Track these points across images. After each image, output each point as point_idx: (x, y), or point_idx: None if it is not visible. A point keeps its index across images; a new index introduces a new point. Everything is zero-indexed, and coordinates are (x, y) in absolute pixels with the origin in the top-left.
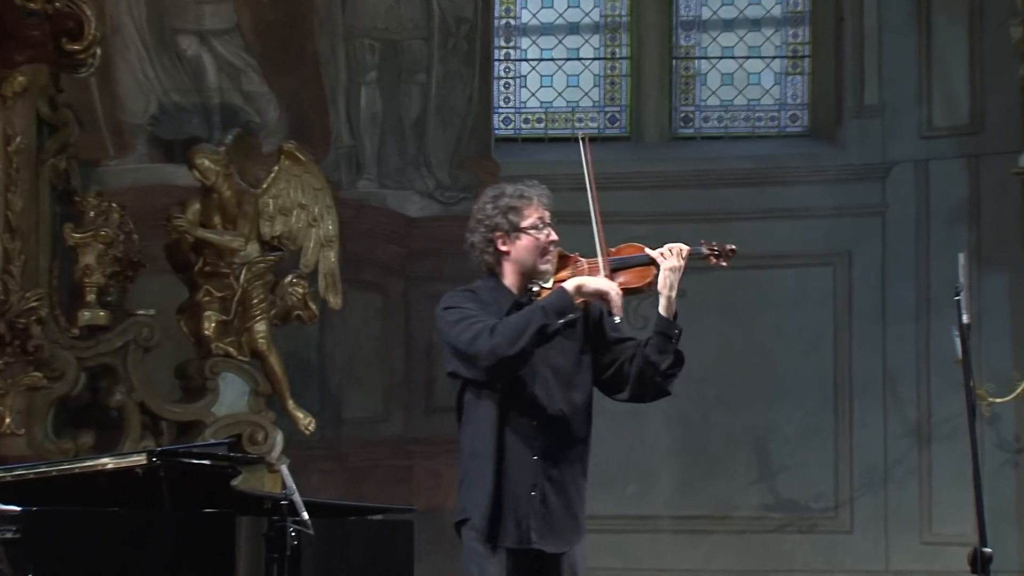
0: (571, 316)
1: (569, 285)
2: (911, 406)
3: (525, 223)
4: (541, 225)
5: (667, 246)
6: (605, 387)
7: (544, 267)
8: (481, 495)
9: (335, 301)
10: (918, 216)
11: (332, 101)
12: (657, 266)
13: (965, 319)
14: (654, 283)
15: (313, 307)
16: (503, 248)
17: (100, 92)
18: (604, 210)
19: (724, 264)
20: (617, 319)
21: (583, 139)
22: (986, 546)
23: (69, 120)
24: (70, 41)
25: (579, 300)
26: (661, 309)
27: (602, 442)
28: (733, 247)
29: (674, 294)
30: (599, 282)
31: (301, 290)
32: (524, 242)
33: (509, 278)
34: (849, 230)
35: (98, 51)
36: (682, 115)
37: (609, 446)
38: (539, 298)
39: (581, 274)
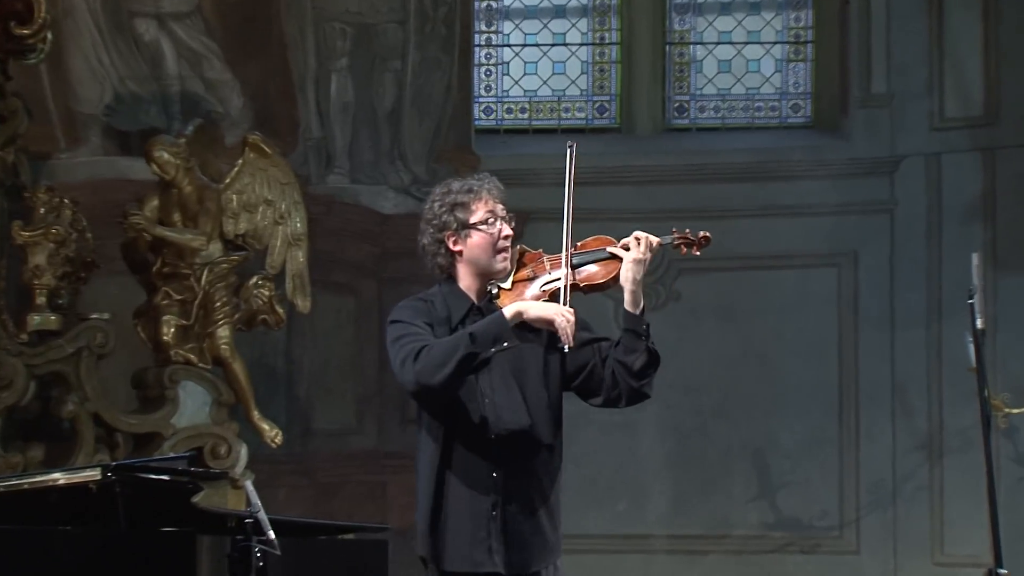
0: (505, 346)
1: (508, 311)
2: (922, 417)
3: (474, 218)
4: (492, 219)
5: (632, 235)
6: (578, 391)
7: (500, 265)
8: (420, 518)
9: (303, 304)
10: (929, 214)
11: (300, 89)
12: (622, 259)
13: (979, 324)
14: (619, 277)
15: (280, 311)
16: (455, 248)
17: (51, 80)
18: (591, 207)
19: (697, 253)
20: (566, 347)
21: (571, 146)
22: (1002, 567)
23: (18, 110)
24: (18, 25)
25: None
26: (626, 304)
27: (591, 456)
28: (706, 234)
29: (638, 288)
30: (544, 308)
31: (267, 292)
32: (475, 239)
33: (465, 281)
34: (855, 229)
35: (48, 35)
36: (676, 105)
37: (598, 460)
38: (499, 302)
39: (543, 272)
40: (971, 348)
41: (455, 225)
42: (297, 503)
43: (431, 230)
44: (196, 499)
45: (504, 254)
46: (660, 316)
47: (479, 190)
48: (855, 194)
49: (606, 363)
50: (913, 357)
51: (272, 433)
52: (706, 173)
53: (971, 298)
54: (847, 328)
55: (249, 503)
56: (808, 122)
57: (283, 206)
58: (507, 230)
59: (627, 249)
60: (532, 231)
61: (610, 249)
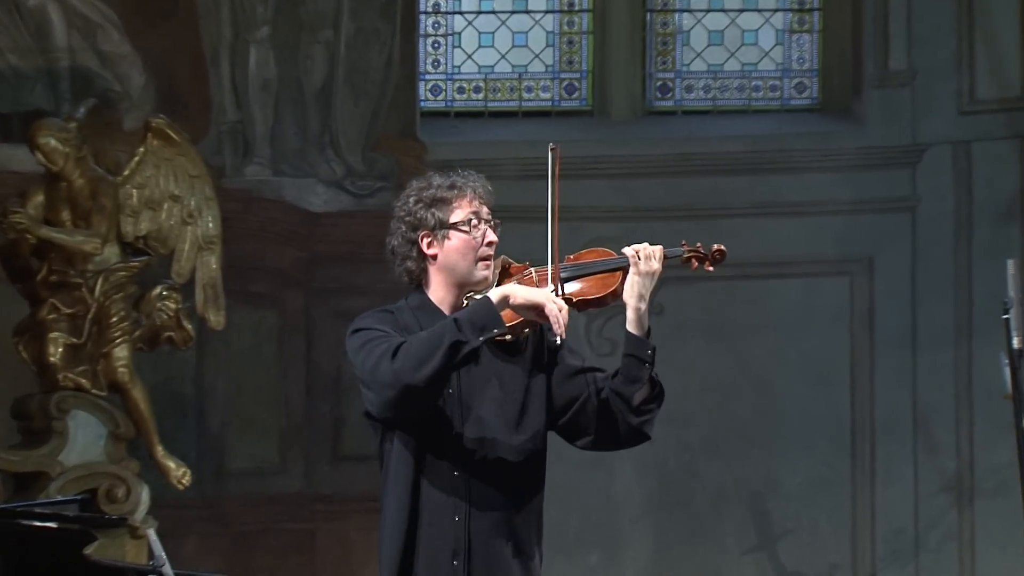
0: (495, 332)
1: (494, 294)
2: (949, 454)
3: (455, 217)
4: (476, 221)
5: (636, 246)
6: (564, 431)
7: (480, 274)
8: (385, 567)
9: (216, 319)
10: (957, 212)
11: (213, 64)
12: (624, 271)
13: (1016, 343)
14: (619, 292)
15: (188, 327)
16: (429, 251)
17: None
18: (561, 204)
19: (711, 269)
20: (558, 338)
21: (554, 150)
22: None
23: None
24: None
25: (510, 315)
26: (629, 325)
27: (558, 498)
28: (722, 247)
29: (644, 305)
30: (533, 291)
31: (173, 305)
32: (454, 243)
33: (438, 291)
34: (870, 230)
35: None
36: (658, 84)
37: (567, 504)
38: None
39: (529, 286)
40: (1007, 371)
41: (432, 223)
42: (209, 555)
43: (403, 228)
44: (88, 550)
45: (486, 262)
46: None
47: (463, 187)
48: (870, 189)
49: (599, 396)
50: (939, 382)
51: (179, 472)
52: (694, 165)
53: (1007, 312)
54: (861, 348)
55: (152, 555)
56: (814, 104)
57: (192, 203)
58: (492, 236)
59: (632, 260)
60: None
61: (608, 260)
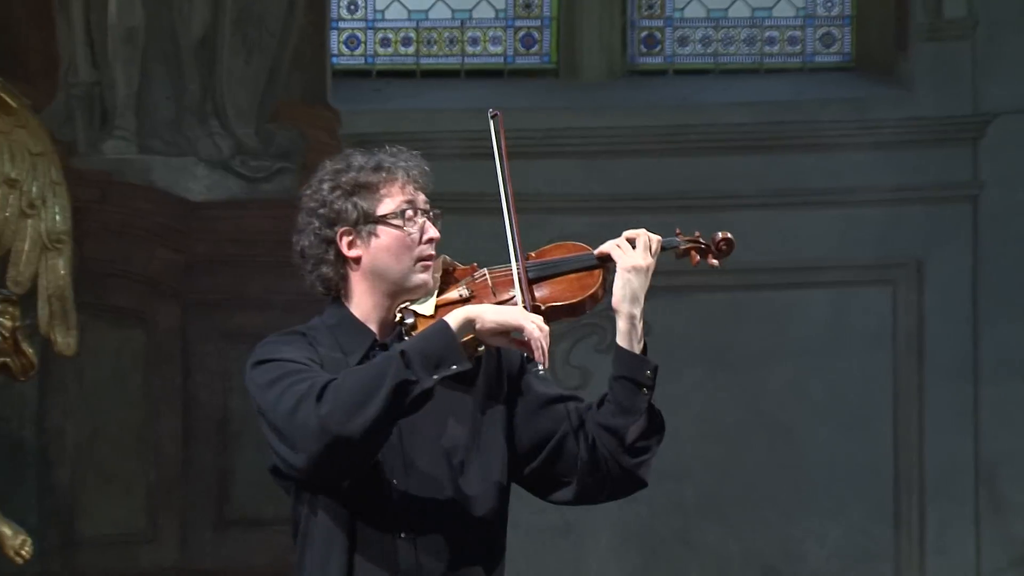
0: (453, 369)
1: (455, 317)
2: (1020, 517)
3: (384, 208)
4: (412, 212)
5: (626, 234)
6: (533, 481)
7: (419, 279)
8: None
9: (65, 342)
10: None
11: (61, 9)
12: (607, 269)
13: None
14: (599, 296)
15: (29, 352)
16: (350, 252)
17: None
18: (516, 191)
19: (715, 263)
20: (541, 368)
21: (494, 117)
22: None
23: None
24: None
25: (471, 343)
26: (621, 339)
27: (518, 573)
28: (728, 236)
29: (640, 312)
30: (505, 312)
31: (8, 323)
32: (384, 240)
33: (363, 303)
34: (919, 226)
35: None
36: (643, 34)
37: None
38: (414, 334)
39: (483, 292)
40: None
41: (354, 217)
42: None
43: (316, 224)
44: None
45: (426, 263)
46: None
47: (393, 169)
48: (919, 173)
49: (580, 433)
50: (1008, 425)
51: (16, 542)
52: (689, 140)
53: None
54: (907, 380)
55: None
56: (847, 62)
57: (33, 189)
58: (432, 231)
59: (621, 251)
60: None
61: (584, 256)
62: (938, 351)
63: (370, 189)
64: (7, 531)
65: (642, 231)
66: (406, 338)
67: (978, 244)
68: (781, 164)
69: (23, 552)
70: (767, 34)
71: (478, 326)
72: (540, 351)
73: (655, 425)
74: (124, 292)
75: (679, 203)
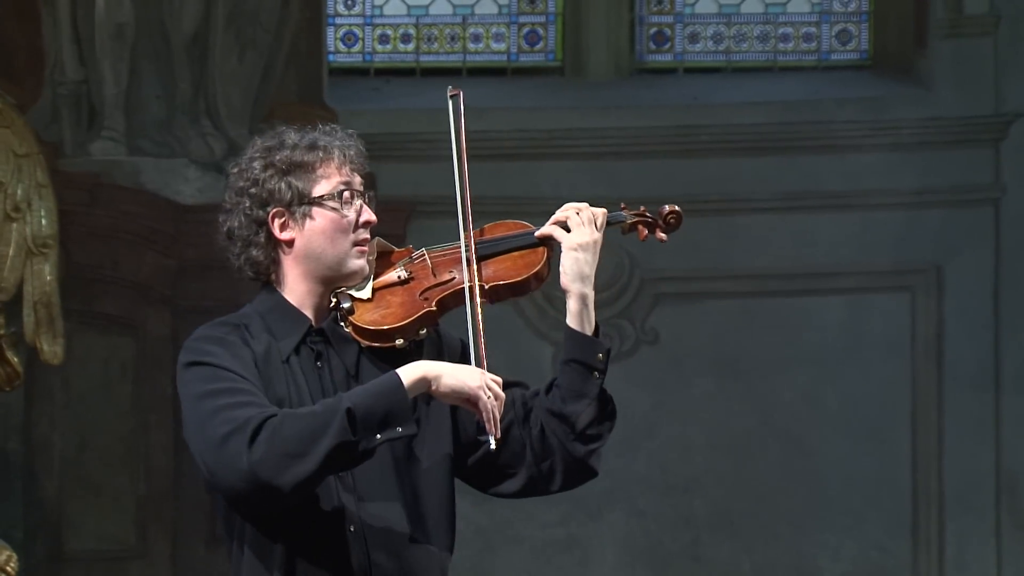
0: (400, 433)
1: (410, 375)
2: None
3: (319, 189)
4: (348, 193)
5: (568, 207)
6: (476, 474)
7: (355, 265)
8: None
9: (52, 350)
10: None
11: (47, 4)
12: (549, 247)
13: None
14: (546, 273)
15: (14, 360)
16: (282, 235)
17: None
18: (516, 193)
19: (664, 237)
20: (492, 441)
21: (454, 96)
22: None
23: None
24: None
25: (401, 311)
26: (571, 319)
27: None
28: (676, 208)
29: (591, 291)
30: (464, 379)
31: None
32: (319, 223)
33: (297, 288)
34: (938, 230)
35: None
36: (652, 31)
37: None
38: (354, 318)
39: (422, 273)
40: None
41: (288, 197)
42: None
43: (246, 203)
44: None
45: (362, 248)
46: (627, 369)
47: (329, 148)
48: (939, 175)
49: (527, 421)
50: None
51: (2, 557)
52: (700, 141)
53: None
54: (925, 389)
55: None
56: (864, 60)
57: (19, 191)
58: (369, 214)
59: (563, 229)
60: (421, 229)
61: (526, 233)
62: (958, 359)
63: (305, 168)
64: None
65: (583, 205)
66: (341, 324)
67: (999, 249)
68: (795, 166)
69: (8, 568)
70: (781, 31)
71: (433, 387)
72: (492, 423)
73: (606, 412)
74: (113, 298)
75: (689, 206)
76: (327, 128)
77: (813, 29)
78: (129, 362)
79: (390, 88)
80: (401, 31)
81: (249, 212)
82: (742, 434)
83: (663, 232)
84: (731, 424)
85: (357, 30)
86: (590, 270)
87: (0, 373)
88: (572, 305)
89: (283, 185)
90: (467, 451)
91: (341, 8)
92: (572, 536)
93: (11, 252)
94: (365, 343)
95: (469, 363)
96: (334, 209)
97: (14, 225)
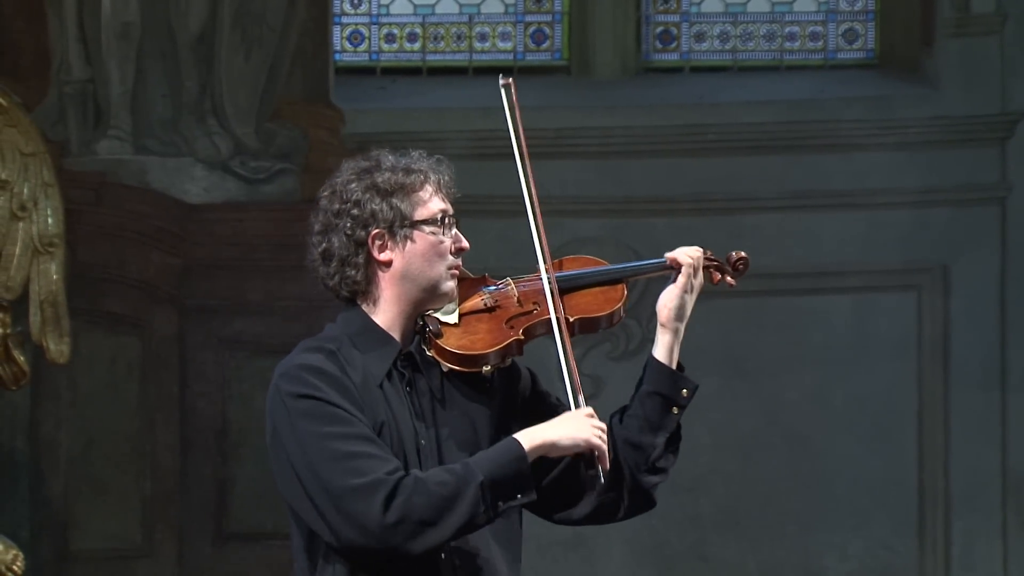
0: (521, 500)
1: (531, 441)
2: None
3: (421, 213)
4: (448, 220)
5: (689, 252)
6: (545, 500)
7: (448, 287)
8: None
9: (58, 349)
10: None
11: (53, 3)
12: (627, 284)
13: None
14: (624, 312)
15: (20, 360)
16: (381, 256)
17: None
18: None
19: (732, 283)
20: (602, 476)
21: (506, 85)
22: None
23: None
24: None
25: (492, 333)
26: (660, 352)
27: None
28: (743, 255)
29: (683, 328)
30: (578, 433)
31: (0, 330)
32: (420, 246)
33: (389, 310)
34: (945, 229)
35: None
36: (659, 30)
37: None
38: (442, 341)
39: (507, 303)
40: None
41: (391, 219)
42: None
43: (347, 223)
44: None
45: (453, 272)
46: (632, 368)
47: (426, 173)
48: (945, 174)
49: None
50: None
51: (8, 556)
52: (706, 140)
53: None
54: (931, 388)
55: None
56: (870, 59)
57: (25, 190)
58: (463, 241)
59: (684, 264)
60: None
61: (607, 269)
62: (964, 359)
63: (407, 191)
64: None
65: (696, 250)
66: (424, 346)
67: (1006, 248)
68: (802, 165)
69: (15, 567)
70: (787, 30)
71: (553, 453)
72: (604, 458)
73: (675, 445)
74: (119, 298)
75: (695, 205)
76: (419, 153)
77: (819, 28)
78: (135, 361)
79: (396, 87)
80: (407, 30)
81: (349, 232)
82: (748, 433)
83: (730, 277)
84: (737, 423)
85: (363, 29)
86: (689, 312)
87: (6, 372)
88: (664, 339)
89: (385, 206)
90: (540, 472)
91: (347, 7)
92: (578, 535)
93: (17, 251)
94: (451, 367)
95: (539, 383)
96: (433, 233)
97: (20, 224)
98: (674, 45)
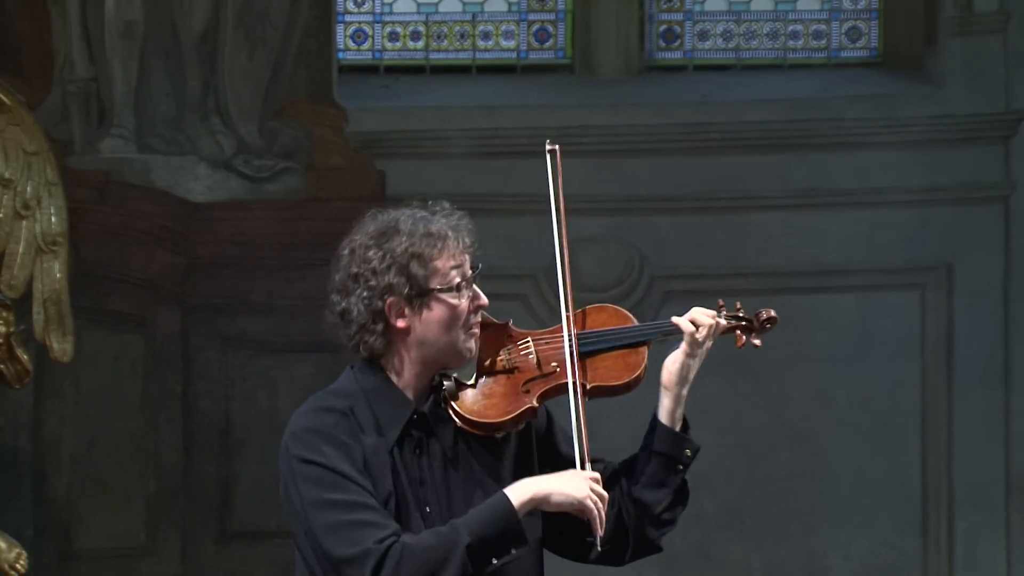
0: (514, 554)
1: (520, 496)
2: None
3: (436, 281)
4: (463, 283)
5: (695, 318)
6: (556, 542)
7: (466, 348)
8: None
9: (62, 348)
10: None
11: (56, 2)
12: (648, 346)
13: None
14: (644, 376)
15: (24, 358)
16: (399, 323)
17: None
18: (523, 190)
19: (758, 343)
20: (598, 542)
21: (552, 152)
22: None
23: None
24: None
25: (505, 404)
26: (663, 415)
27: None
28: (772, 314)
29: (687, 391)
30: (572, 492)
31: (3, 328)
32: (437, 313)
33: (404, 372)
34: (949, 228)
35: None
36: (662, 29)
37: None
38: (453, 404)
39: (526, 365)
40: None
41: (407, 290)
42: None
43: (365, 293)
44: None
45: (474, 332)
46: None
47: (444, 235)
48: (949, 173)
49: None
50: None
51: (11, 555)
52: (710, 139)
53: None
54: (935, 387)
55: None
56: (873, 58)
57: (29, 189)
58: (481, 297)
59: (698, 330)
60: None
61: (632, 330)
62: (968, 357)
63: (422, 260)
64: (2, 545)
65: (708, 317)
66: (443, 405)
67: (1010, 247)
68: (805, 163)
69: (18, 566)
70: (791, 28)
71: (545, 508)
72: (599, 523)
73: (681, 497)
74: (122, 296)
75: (699, 204)
76: (436, 208)
77: (823, 26)
78: (139, 360)
79: (399, 85)
80: (411, 29)
81: (367, 302)
82: (752, 432)
83: (756, 337)
84: (741, 422)
85: (367, 28)
86: (693, 376)
87: (10, 371)
88: (667, 402)
89: (402, 279)
90: (548, 520)
91: (351, 6)
92: None
93: (21, 250)
94: (464, 428)
95: (556, 435)
96: (450, 300)
97: (24, 223)
98: (677, 43)
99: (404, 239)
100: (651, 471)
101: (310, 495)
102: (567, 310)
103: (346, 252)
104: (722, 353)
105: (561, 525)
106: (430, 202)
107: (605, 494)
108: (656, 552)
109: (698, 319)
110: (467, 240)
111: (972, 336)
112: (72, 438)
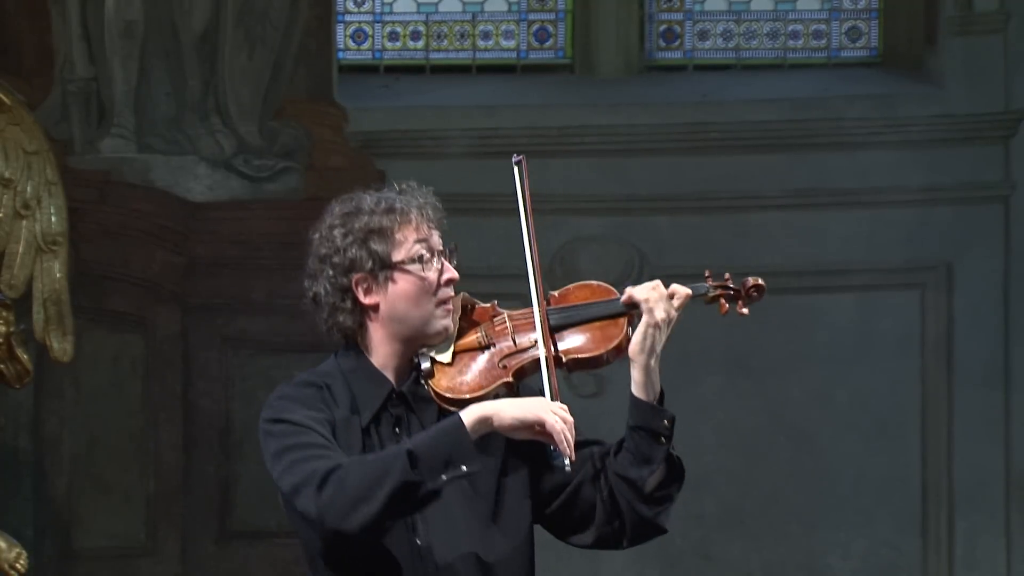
0: (463, 471)
1: (471, 414)
2: None
3: (400, 253)
4: (428, 255)
5: (649, 287)
6: (553, 524)
7: (439, 325)
8: None
9: (62, 347)
10: None
11: (56, 2)
12: (631, 318)
13: None
14: (625, 346)
15: (24, 358)
16: (367, 300)
17: None
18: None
19: (745, 311)
20: (567, 462)
21: (519, 163)
22: None
23: None
24: None
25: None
26: (636, 389)
27: None
28: (759, 282)
29: (656, 363)
30: (527, 408)
31: (3, 328)
32: (402, 286)
33: (381, 350)
34: (949, 227)
35: None
36: (662, 28)
37: None
38: (434, 382)
39: (501, 338)
40: None
41: (369, 264)
42: None
43: (330, 271)
44: None
45: (446, 307)
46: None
47: (406, 211)
48: (949, 173)
49: (599, 480)
50: None
51: (11, 555)
52: (710, 138)
53: None
54: (935, 387)
55: None
56: (874, 57)
57: (29, 189)
58: (451, 271)
59: (636, 306)
60: None
61: (608, 303)
62: (968, 357)
63: (384, 234)
64: (2, 544)
65: (670, 286)
66: (423, 383)
67: (1009, 246)
68: (805, 163)
69: (18, 566)
70: (791, 28)
71: (496, 423)
72: (564, 443)
73: (675, 473)
74: (122, 296)
75: (699, 204)
76: (402, 187)
77: (823, 26)
78: (139, 359)
79: (399, 85)
80: (411, 28)
81: (333, 280)
82: (752, 432)
83: (743, 305)
84: (741, 422)
85: (367, 27)
86: (660, 346)
87: (10, 371)
88: (637, 375)
89: (364, 253)
90: (542, 505)
91: (351, 5)
92: None
93: (21, 249)
94: (443, 406)
95: (554, 459)
96: (416, 272)
97: (24, 222)
98: (677, 43)
99: (365, 216)
100: (634, 447)
101: (274, 447)
102: (536, 282)
103: (315, 237)
104: (722, 353)
105: (561, 505)
106: (398, 185)
107: (570, 419)
108: (660, 533)
109: (656, 290)
110: (432, 215)
111: (972, 336)
112: (72, 438)
